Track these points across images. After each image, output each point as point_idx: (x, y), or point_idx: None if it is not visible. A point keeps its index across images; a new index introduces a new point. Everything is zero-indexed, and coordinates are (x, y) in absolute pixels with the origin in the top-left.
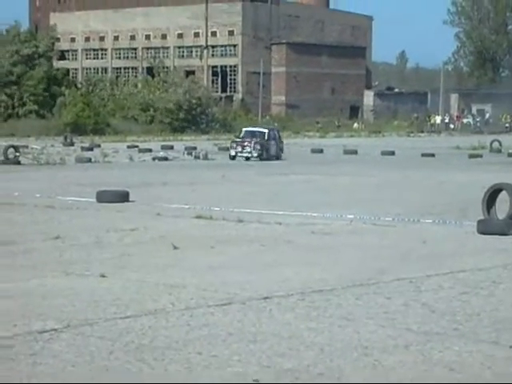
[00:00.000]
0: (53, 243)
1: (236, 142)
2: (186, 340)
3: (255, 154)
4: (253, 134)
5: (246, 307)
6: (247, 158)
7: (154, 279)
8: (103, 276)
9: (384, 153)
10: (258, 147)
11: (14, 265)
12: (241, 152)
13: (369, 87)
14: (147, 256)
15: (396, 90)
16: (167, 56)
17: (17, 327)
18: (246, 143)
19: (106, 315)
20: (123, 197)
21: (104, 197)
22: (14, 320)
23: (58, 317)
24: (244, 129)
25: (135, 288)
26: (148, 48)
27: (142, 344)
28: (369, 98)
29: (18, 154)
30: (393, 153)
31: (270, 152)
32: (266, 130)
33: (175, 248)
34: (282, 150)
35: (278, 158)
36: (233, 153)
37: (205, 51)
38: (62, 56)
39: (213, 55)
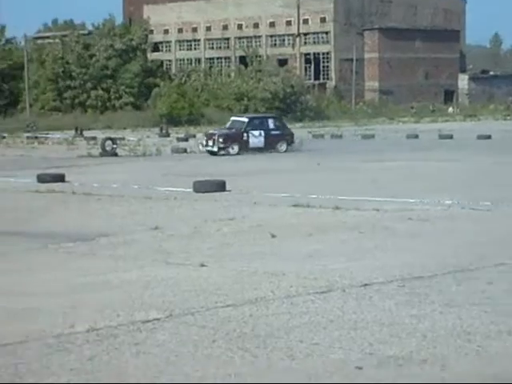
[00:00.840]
0: (152, 233)
1: (207, 134)
2: (287, 328)
3: (215, 149)
4: (234, 124)
5: (345, 294)
6: (212, 153)
7: (253, 268)
8: (203, 265)
9: (480, 137)
10: (221, 140)
11: (115, 255)
12: (206, 146)
13: (463, 71)
14: (246, 245)
15: (491, 72)
16: (259, 45)
17: (120, 317)
18: (213, 136)
19: (207, 304)
20: (220, 186)
21: (201, 187)
22: (117, 310)
23: (160, 306)
24: (232, 117)
25: (235, 277)
26: (240, 37)
27: (244, 332)
28: (463, 81)
29: (115, 146)
30: (489, 137)
31: (248, 145)
32: (246, 119)
33: (273, 236)
34: (288, 140)
35: (272, 150)
36: (200, 147)
37: (297, 39)
38: (156, 48)
39: (305, 43)
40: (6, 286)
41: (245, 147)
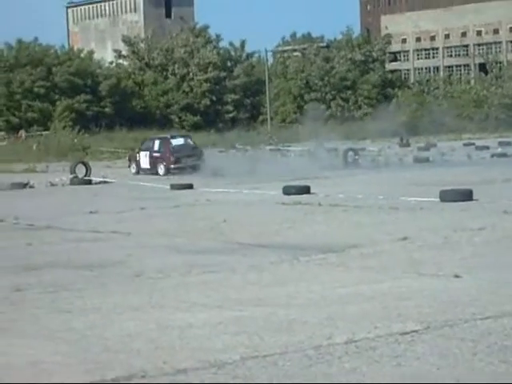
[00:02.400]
0: (401, 244)
1: None
2: None
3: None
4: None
5: None
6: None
7: (507, 279)
8: (457, 276)
9: None
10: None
11: (366, 266)
12: None
13: None
14: (499, 255)
15: None
16: (499, 51)
17: (378, 329)
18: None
19: (464, 316)
20: (467, 195)
21: (447, 196)
22: (373, 321)
23: (416, 318)
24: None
25: (491, 288)
26: (479, 44)
27: (505, 345)
28: None
29: (357, 156)
30: None
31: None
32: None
33: None
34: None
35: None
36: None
37: None
38: (394, 58)
39: None
40: (261, 297)
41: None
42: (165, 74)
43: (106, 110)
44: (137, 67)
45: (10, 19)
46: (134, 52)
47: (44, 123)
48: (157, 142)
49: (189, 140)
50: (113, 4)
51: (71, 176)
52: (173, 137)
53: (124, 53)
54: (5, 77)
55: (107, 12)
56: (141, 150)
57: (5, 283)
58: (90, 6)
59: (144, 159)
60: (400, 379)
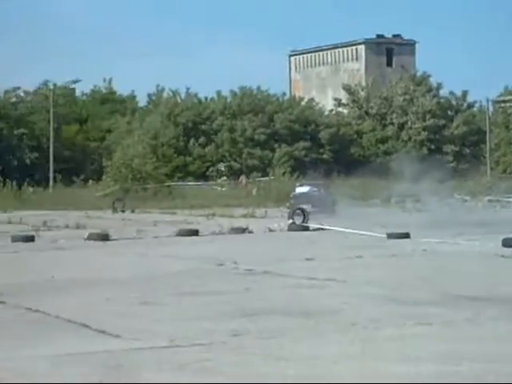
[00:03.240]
0: None
1: None
2: None
3: None
4: None
5: None
6: None
7: None
8: None
9: None
10: None
11: None
12: None
13: None
14: None
15: None
16: None
17: None
18: None
19: None
20: None
21: None
22: None
23: None
24: None
25: None
26: None
27: None
28: None
29: None
30: None
31: None
32: None
33: None
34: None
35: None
36: None
37: None
38: None
39: None
40: (481, 353)
41: None
42: (383, 122)
43: (324, 156)
44: (356, 115)
45: (232, 68)
46: (354, 101)
47: (263, 169)
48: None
49: (314, 188)
50: (335, 52)
51: (289, 222)
52: (301, 185)
53: (344, 101)
54: (228, 123)
55: (329, 60)
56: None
57: (223, 327)
58: (313, 54)
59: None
60: None
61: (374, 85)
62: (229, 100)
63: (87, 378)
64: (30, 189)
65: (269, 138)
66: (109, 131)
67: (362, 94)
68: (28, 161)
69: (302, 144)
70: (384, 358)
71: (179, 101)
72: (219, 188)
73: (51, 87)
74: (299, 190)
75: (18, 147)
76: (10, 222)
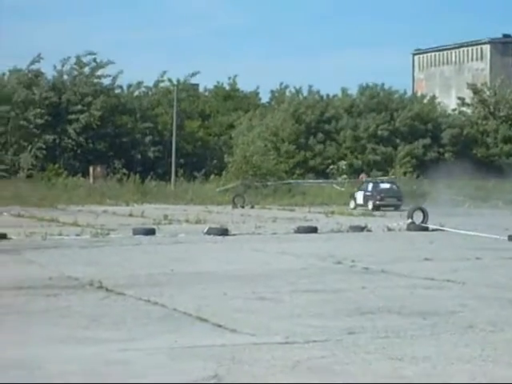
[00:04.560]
0: None
1: None
2: None
3: None
4: None
5: None
6: None
7: None
8: None
9: None
10: None
11: None
12: None
13: None
14: None
15: None
16: None
17: None
18: None
19: None
20: None
21: None
22: None
23: None
24: None
25: None
26: None
27: None
28: None
29: None
30: None
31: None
32: None
33: None
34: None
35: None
36: None
37: None
38: None
39: None
40: None
41: None
42: (510, 123)
43: (446, 156)
44: (481, 116)
45: (357, 67)
46: (480, 100)
47: (384, 167)
48: (370, 185)
49: (394, 185)
50: (459, 52)
51: (408, 221)
52: (382, 182)
53: (468, 100)
54: (352, 121)
55: (453, 59)
56: (358, 190)
57: (339, 325)
58: (437, 53)
59: (359, 197)
60: None
61: (500, 86)
62: (354, 97)
63: (202, 372)
64: (153, 183)
65: (391, 134)
66: (231, 127)
67: (488, 93)
68: (151, 155)
69: (421, 142)
70: (501, 362)
71: (301, 98)
72: (339, 188)
73: (172, 80)
74: (382, 185)
75: (142, 141)
76: (131, 215)
